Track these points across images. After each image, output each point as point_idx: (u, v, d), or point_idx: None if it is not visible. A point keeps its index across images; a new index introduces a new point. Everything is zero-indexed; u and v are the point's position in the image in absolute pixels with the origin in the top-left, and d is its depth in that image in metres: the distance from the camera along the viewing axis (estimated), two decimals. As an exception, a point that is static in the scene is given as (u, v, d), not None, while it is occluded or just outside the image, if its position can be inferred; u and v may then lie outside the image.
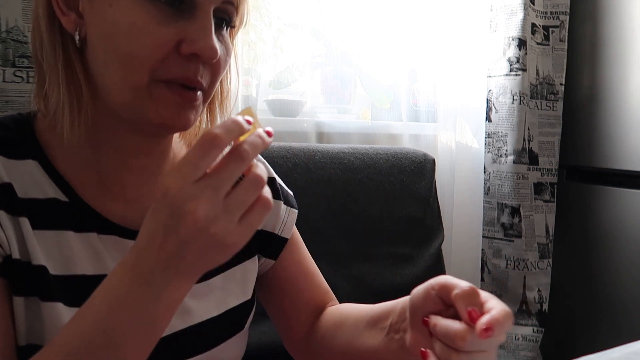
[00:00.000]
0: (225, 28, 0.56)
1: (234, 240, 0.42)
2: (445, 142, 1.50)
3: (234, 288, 0.67)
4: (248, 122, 0.44)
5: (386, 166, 1.27)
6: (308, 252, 0.79)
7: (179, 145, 0.67)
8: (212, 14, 0.52)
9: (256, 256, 0.71)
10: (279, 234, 0.73)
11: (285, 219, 0.74)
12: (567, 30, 1.55)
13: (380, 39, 1.49)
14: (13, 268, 0.52)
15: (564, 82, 1.55)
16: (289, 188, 0.79)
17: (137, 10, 0.49)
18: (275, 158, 1.13)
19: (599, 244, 1.48)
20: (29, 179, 0.54)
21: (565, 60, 1.55)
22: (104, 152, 0.57)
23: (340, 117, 1.47)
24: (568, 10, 1.54)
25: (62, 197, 0.55)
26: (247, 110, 0.46)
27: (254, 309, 0.70)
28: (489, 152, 1.53)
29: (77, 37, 0.52)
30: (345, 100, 1.48)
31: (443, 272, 1.32)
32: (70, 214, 0.55)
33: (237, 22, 0.58)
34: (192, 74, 0.52)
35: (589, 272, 1.51)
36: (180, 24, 0.51)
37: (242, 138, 0.44)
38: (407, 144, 1.45)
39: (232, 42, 0.60)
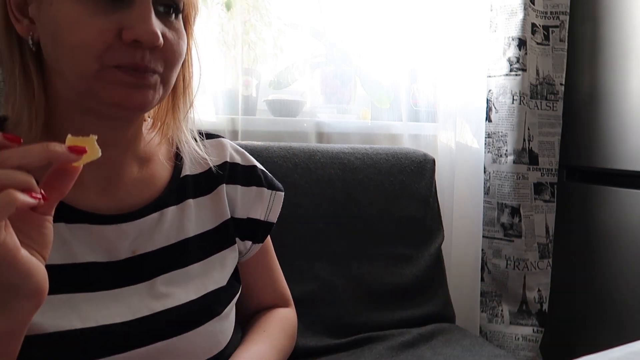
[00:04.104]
0: (173, 15, 0.59)
1: None
2: (445, 142, 1.50)
3: (213, 274, 0.68)
4: (74, 149, 0.43)
5: (386, 166, 1.27)
6: (275, 257, 0.84)
7: (151, 136, 0.69)
8: (151, 3, 0.55)
9: (235, 245, 0.73)
10: (265, 220, 0.77)
11: (271, 204, 0.77)
12: (567, 30, 1.54)
13: (380, 39, 1.49)
14: None
15: (564, 82, 1.55)
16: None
17: (72, 6, 0.52)
18: (275, 158, 1.13)
19: (599, 244, 1.48)
20: None
21: (565, 60, 1.55)
22: None
23: (340, 117, 1.47)
24: (568, 10, 1.54)
25: None
26: (86, 140, 0.44)
27: (235, 298, 0.72)
28: (489, 152, 1.53)
29: (30, 42, 0.55)
30: (345, 100, 1.48)
31: (443, 272, 1.32)
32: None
33: (188, 9, 0.61)
34: (139, 59, 0.54)
35: (589, 272, 1.51)
36: (118, 14, 0.53)
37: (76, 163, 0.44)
38: (407, 144, 1.45)
39: (190, 30, 0.63)
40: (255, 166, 0.77)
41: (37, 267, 0.43)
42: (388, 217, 1.24)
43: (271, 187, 0.78)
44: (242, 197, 0.74)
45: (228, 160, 0.75)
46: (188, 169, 0.70)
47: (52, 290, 0.46)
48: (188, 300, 0.64)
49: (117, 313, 0.58)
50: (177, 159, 0.70)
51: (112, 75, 0.54)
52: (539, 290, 1.56)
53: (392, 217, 1.25)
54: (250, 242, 0.76)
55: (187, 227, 0.67)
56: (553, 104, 1.55)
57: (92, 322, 0.56)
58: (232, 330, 0.71)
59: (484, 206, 1.52)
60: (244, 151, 0.78)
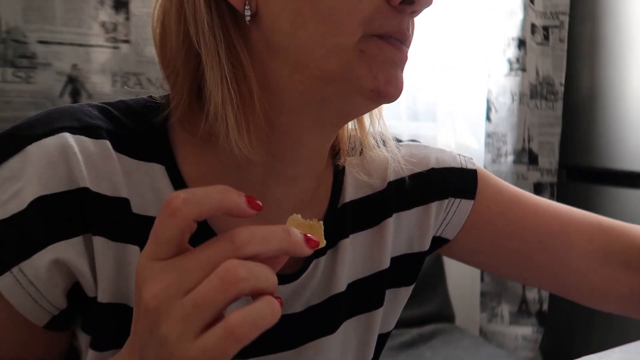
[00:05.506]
0: None
1: (185, 358, 0.28)
2: (445, 142, 1.50)
3: (350, 347, 0.53)
4: (309, 240, 0.32)
5: (386, 166, 1.27)
6: (532, 196, 0.60)
7: None
8: None
9: (382, 307, 0.56)
10: (438, 235, 0.58)
11: (449, 217, 0.56)
12: (567, 30, 1.55)
13: (380, 39, 1.49)
14: (101, 318, 0.41)
15: (563, 82, 1.55)
16: None
17: None
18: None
19: (599, 244, 1.48)
20: (150, 189, 0.43)
21: (565, 60, 1.55)
22: (257, 157, 0.43)
23: (340, 117, 1.47)
24: (568, 10, 1.54)
25: None
26: (313, 226, 0.34)
27: None
28: (489, 152, 1.53)
29: (247, 14, 0.41)
30: (345, 100, 1.48)
31: (443, 272, 1.32)
32: (193, 241, 0.36)
33: None
34: (406, 28, 0.41)
35: (589, 272, 1.51)
36: None
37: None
38: (407, 144, 1.45)
39: None
40: (432, 169, 0.56)
41: None
42: (388, 217, 1.24)
43: (455, 192, 0.56)
44: (419, 221, 0.56)
45: (391, 178, 0.54)
46: (348, 194, 0.52)
47: None
48: None
49: None
50: (335, 179, 0.52)
51: (377, 48, 0.40)
52: (538, 290, 1.55)
53: (392, 217, 1.25)
54: None
55: (339, 277, 0.50)
56: (553, 104, 1.55)
57: None
58: None
59: (483, 206, 1.52)
60: (414, 149, 0.57)
